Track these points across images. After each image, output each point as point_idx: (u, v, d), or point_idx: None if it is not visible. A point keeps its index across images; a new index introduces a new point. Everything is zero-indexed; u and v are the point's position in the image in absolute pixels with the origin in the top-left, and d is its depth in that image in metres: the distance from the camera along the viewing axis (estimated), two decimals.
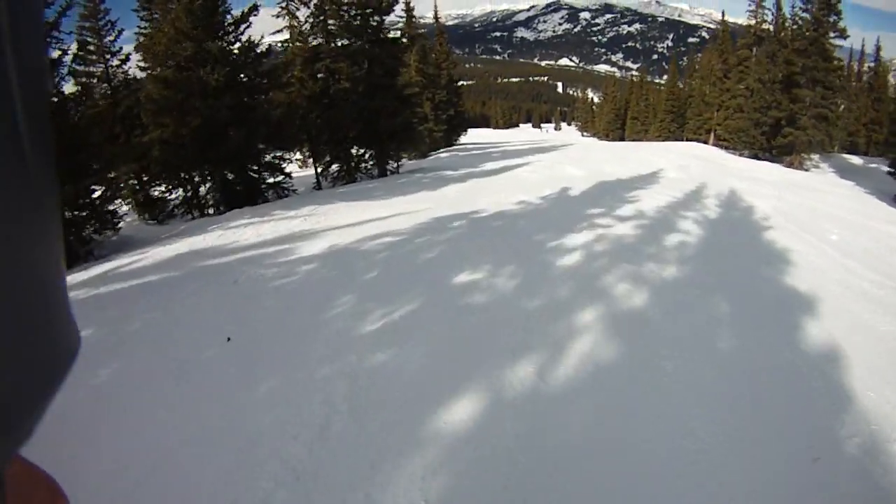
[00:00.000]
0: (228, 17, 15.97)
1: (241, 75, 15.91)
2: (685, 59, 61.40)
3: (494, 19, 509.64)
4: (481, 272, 5.85)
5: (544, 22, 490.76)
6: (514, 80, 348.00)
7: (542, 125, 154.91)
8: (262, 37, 16.57)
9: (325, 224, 9.59)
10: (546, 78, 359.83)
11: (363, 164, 21.53)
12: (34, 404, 0.33)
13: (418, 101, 28.68)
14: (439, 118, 35.65)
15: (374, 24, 19.21)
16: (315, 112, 19.77)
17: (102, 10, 19.69)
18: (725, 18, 42.41)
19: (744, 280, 5.78)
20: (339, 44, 19.54)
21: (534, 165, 18.78)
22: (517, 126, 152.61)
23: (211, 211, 16.93)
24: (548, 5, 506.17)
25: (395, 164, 21.98)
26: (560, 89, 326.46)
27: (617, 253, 6.55)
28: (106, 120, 18.24)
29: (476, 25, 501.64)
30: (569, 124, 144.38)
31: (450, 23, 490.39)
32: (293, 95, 19.92)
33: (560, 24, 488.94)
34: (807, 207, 11.31)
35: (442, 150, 35.45)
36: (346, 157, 21.03)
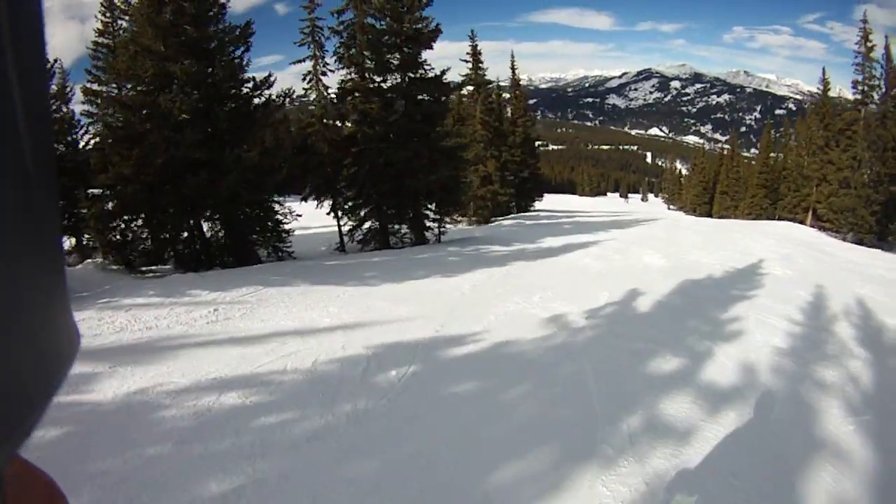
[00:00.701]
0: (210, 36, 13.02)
1: (226, 107, 12.90)
2: (772, 131, 54.44)
3: (587, 85, 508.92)
4: None
5: (635, 90, 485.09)
6: (604, 147, 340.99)
7: (630, 195, 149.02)
8: (248, 61, 13.62)
9: (222, 329, 6.17)
10: (636, 147, 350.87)
11: (398, 227, 17.99)
12: (34, 404, 0.32)
13: (470, 156, 25.32)
14: (506, 179, 31.26)
15: (410, 56, 15.92)
16: (342, 160, 16.47)
17: (118, 28, 17.56)
18: (827, 77, 36.07)
19: None
20: (371, 78, 16.26)
21: (604, 246, 14.62)
22: (604, 195, 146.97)
23: (209, 263, 13.99)
24: (639, 73, 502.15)
25: (438, 230, 18.24)
26: (649, 159, 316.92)
27: None
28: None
29: (569, 90, 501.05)
30: (656, 196, 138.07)
31: (543, 86, 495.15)
32: (313, 139, 16.79)
33: (651, 93, 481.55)
34: None
35: (510, 216, 31.05)
36: (380, 216, 17.51)
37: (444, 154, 16.38)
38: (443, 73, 16.37)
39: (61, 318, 0.35)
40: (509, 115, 35.46)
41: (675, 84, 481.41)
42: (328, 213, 18.32)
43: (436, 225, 18.26)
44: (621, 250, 13.76)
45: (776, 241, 17.29)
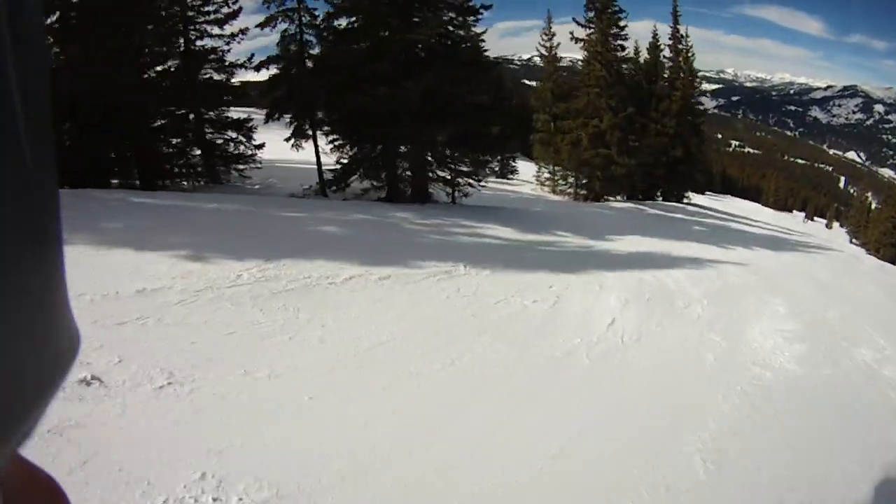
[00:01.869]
0: None
1: None
2: None
3: (791, 91, 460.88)
4: None
5: (839, 106, 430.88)
6: (799, 161, 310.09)
7: (816, 219, 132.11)
8: None
9: None
10: (831, 168, 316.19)
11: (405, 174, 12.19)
12: (34, 404, 0.32)
13: (580, 105, 18.39)
14: (628, 145, 22.75)
15: None
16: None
17: None
18: None
19: None
20: None
21: (708, 274, 8.41)
22: (789, 211, 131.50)
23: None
24: (845, 88, 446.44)
25: (452, 189, 12.10)
26: (842, 184, 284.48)
27: None
28: None
29: (773, 94, 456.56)
30: (841, 225, 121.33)
31: (748, 84, 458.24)
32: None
33: (854, 113, 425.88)
34: None
35: (645, 202, 23.58)
36: (384, 156, 11.71)
37: (438, 56, 10.12)
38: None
39: (61, 317, 0.35)
40: (664, 69, 27.71)
41: (879, 108, 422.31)
42: (287, 140, 12.97)
43: (461, 179, 12.39)
44: (729, 291, 6.97)
45: None
